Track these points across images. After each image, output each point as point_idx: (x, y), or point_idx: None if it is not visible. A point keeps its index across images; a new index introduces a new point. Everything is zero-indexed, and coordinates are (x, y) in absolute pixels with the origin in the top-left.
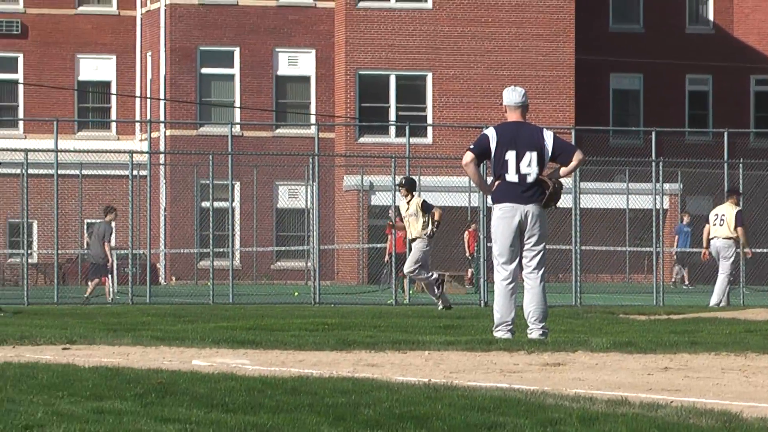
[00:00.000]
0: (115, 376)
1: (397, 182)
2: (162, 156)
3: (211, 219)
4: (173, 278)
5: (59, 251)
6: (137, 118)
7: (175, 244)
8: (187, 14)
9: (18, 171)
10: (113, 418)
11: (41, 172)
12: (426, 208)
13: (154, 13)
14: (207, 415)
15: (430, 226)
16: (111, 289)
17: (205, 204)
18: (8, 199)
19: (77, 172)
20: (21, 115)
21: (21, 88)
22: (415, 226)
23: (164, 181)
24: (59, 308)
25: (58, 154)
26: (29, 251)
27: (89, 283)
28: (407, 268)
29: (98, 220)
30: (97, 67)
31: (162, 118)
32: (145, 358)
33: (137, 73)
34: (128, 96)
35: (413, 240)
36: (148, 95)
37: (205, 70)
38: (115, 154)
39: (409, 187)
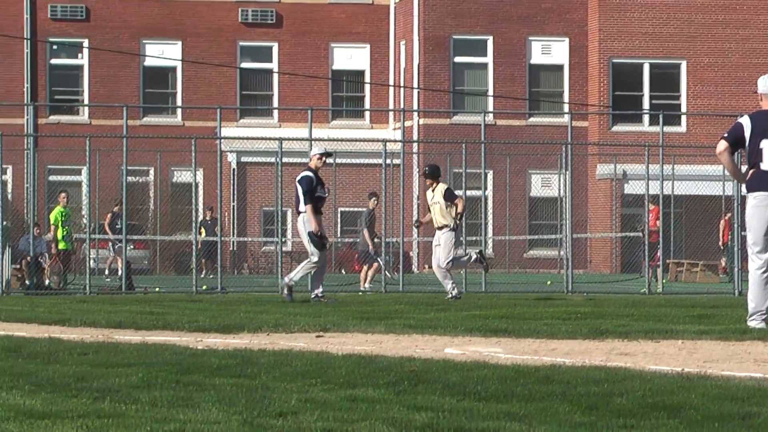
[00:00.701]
0: (368, 364)
1: (421, 172)
2: (415, 144)
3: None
4: (426, 266)
5: None
6: (390, 106)
7: (428, 233)
8: (440, 3)
9: (272, 159)
10: (366, 406)
11: (295, 160)
12: (448, 196)
13: (408, 2)
14: (459, 403)
15: (451, 219)
16: (367, 277)
17: (458, 192)
18: (263, 187)
19: (331, 160)
20: (276, 104)
21: (276, 77)
22: (442, 214)
23: (417, 169)
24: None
25: (312, 142)
26: (283, 239)
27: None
28: (443, 263)
29: (355, 209)
30: (351, 56)
31: (415, 107)
32: (397, 346)
33: (390, 62)
34: (382, 85)
35: (440, 228)
36: (402, 84)
37: (458, 59)
38: (369, 143)
39: (433, 176)
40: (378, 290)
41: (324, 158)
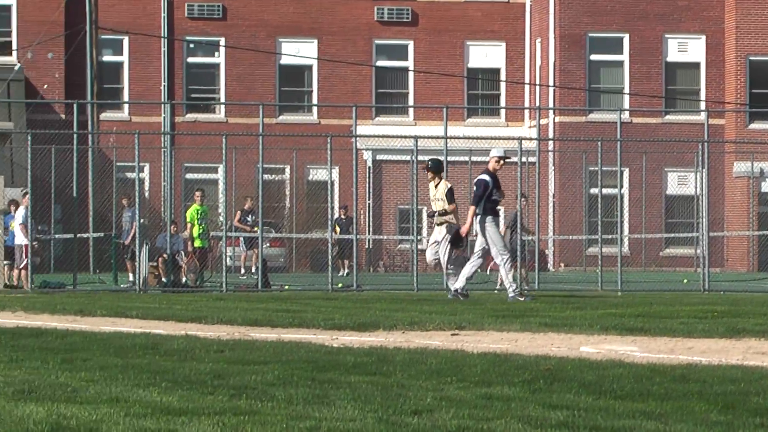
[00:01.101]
0: (504, 362)
1: (422, 165)
2: (551, 142)
3: (599, 205)
4: (561, 264)
5: None
6: (526, 104)
7: (564, 231)
8: (576, 1)
9: (408, 157)
10: (501, 404)
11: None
12: (449, 197)
13: (544, 0)
14: (595, 402)
15: (452, 218)
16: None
17: (594, 190)
18: (399, 185)
19: (466, 158)
20: (411, 102)
21: (411, 75)
22: (444, 212)
23: (553, 167)
24: (447, 294)
25: (448, 140)
26: (419, 237)
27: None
28: (443, 261)
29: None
30: (486, 54)
31: (551, 105)
32: (533, 344)
33: (526, 59)
34: (517, 83)
35: (441, 224)
36: (537, 82)
37: (594, 57)
38: (505, 140)
39: (435, 169)
40: (533, 289)
41: (502, 161)
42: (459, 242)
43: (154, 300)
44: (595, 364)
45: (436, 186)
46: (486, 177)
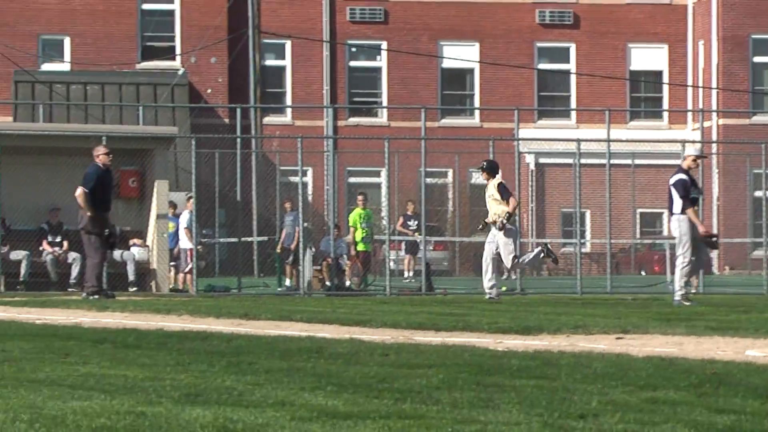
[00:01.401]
0: (669, 366)
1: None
2: (714, 145)
3: (764, 208)
4: (727, 268)
5: (612, 241)
6: (689, 107)
7: (729, 234)
8: (739, 3)
9: (571, 161)
10: (667, 408)
11: (594, 161)
12: (502, 191)
13: (706, 2)
14: (762, 406)
15: (499, 218)
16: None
17: (758, 193)
18: (562, 188)
19: (629, 161)
20: (573, 105)
21: (573, 78)
22: (495, 209)
23: (717, 170)
24: (612, 297)
25: (610, 143)
26: (582, 240)
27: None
28: (508, 265)
29: (654, 210)
30: (649, 57)
31: (714, 107)
32: (698, 348)
33: (689, 62)
34: (680, 85)
35: (493, 222)
36: (700, 84)
37: (757, 59)
38: (667, 143)
39: (490, 170)
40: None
41: (698, 160)
42: (713, 244)
43: (318, 304)
44: (761, 368)
45: (489, 184)
46: (683, 176)
